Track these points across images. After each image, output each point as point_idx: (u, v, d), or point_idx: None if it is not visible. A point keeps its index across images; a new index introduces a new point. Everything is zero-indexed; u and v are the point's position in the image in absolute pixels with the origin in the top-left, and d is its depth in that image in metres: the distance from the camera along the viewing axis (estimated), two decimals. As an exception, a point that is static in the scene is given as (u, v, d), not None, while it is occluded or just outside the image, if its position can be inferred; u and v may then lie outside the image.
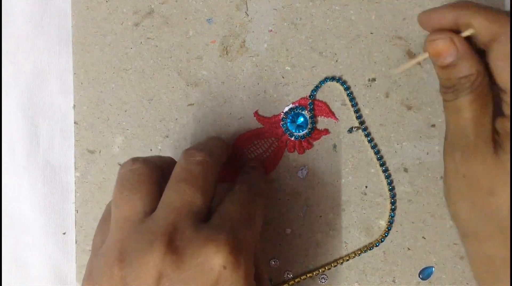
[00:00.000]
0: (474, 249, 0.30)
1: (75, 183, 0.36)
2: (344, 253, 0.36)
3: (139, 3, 0.36)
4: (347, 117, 0.36)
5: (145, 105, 0.36)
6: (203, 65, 0.36)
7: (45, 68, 0.37)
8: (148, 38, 0.36)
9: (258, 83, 0.36)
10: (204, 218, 0.27)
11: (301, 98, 0.35)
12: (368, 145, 0.35)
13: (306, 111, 0.35)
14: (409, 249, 0.36)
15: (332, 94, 0.36)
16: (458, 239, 0.35)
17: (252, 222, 0.28)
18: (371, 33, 0.35)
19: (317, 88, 0.35)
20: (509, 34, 0.27)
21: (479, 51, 0.29)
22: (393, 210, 0.35)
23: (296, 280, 0.35)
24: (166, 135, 0.36)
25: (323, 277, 0.36)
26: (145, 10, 0.36)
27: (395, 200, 0.35)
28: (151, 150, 0.36)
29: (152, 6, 0.36)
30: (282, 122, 0.35)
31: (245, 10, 0.36)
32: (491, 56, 0.28)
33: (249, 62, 0.36)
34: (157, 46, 0.36)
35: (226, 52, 0.36)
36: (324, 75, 0.35)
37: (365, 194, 0.36)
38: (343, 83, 0.35)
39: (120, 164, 0.36)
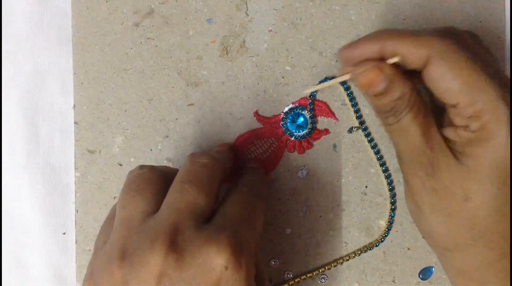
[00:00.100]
0: (458, 261, 0.30)
1: (75, 183, 0.36)
2: (344, 253, 0.36)
3: (139, 3, 0.36)
4: (347, 117, 0.36)
5: (145, 105, 0.36)
6: (203, 65, 0.36)
7: (45, 68, 0.37)
8: (148, 38, 0.36)
9: (258, 83, 0.36)
10: (207, 219, 0.27)
11: (301, 98, 0.35)
12: (368, 145, 0.36)
13: (306, 111, 0.35)
14: (409, 249, 0.36)
15: (332, 94, 0.36)
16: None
17: (253, 223, 0.28)
18: (371, 33, 0.35)
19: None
20: (441, 55, 0.27)
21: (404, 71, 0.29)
22: (393, 210, 0.35)
23: (296, 280, 0.36)
24: (166, 135, 0.36)
25: (323, 277, 0.36)
26: (145, 10, 0.36)
27: (395, 200, 0.35)
28: (151, 150, 0.36)
29: (152, 6, 0.36)
30: (282, 122, 0.35)
31: (245, 10, 0.36)
32: (428, 78, 0.28)
33: (249, 62, 0.36)
34: (157, 46, 0.36)
35: (226, 52, 0.36)
36: (324, 75, 0.35)
37: (365, 194, 0.36)
38: (343, 83, 0.35)
39: (120, 164, 0.36)
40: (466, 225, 0.28)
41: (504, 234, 0.28)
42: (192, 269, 0.24)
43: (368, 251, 0.36)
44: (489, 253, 0.28)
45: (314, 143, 0.36)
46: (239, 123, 0.36)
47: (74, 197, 0.36)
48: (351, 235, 0.36)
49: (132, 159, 0.36)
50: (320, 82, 0.35)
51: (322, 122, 0.36)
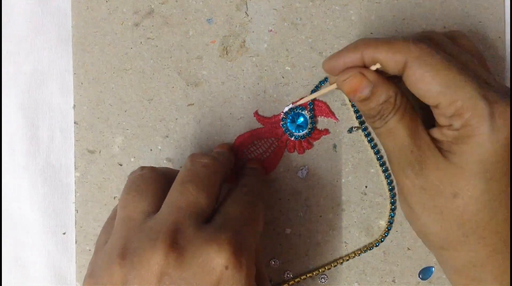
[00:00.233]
0: (454, 259, 0.30)
1: (75, 183, 0.36)
2: (344, 253, 0.36)
3: (139, 3, 0.36)
4: (347, 117, 0.36)
5: (145, 105, 0.36)
6: (203, 65, 0.36)
7: (45, 68, 0.37)
8: (148, 38, 0.36)
9: (258, 83, 0.36)
10: (208, 219, 0.27)
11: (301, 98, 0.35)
12: (368, 145, 0.36)
13: (306, 111, 0.35)
14: (409, 249, 0.36)
15: (332, 94, 0.36)
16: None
17: (254, 223, 0.28)
18: (371, 33, 0.35)
19: (317, 88, 0.35)
20: (417, 58, 0.28)
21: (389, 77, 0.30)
22: (393, 210, 0.35)
23: (296, 280, 0.36)
24: (166, 135, 0.36)
25: (323, 277, 0.36)
26: (145, 10, 0.36)
27: (395, 200, 0.35)
28: (151, 150, 0.36)
29: (152, 6, 0.36)
30: (282, 122, 0.35)
31: (245, 10, 0.36)
32: (408, 82, 0.29)
33: (249, 62, 0.36)
34: (157, 46, 0.36)
35: (226, 52, 0.36)
36: (324, 75, 0.35)
37: (365, 194, 0.36)
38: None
39: (120, 164, 0.36)
40: (457, 222, 0.29)
41: (495, 230, 0.28)
42: (192, 269, 0.24)
43: (368, 251, 0.36)
44: (482, 250, 0.29)
45: (314, 143, 0.36)
46: (239, 123, 0.36)
47: (74, 197, 0.36)
48: (351, 235, 0.36)
49: (132, 159, 0.36)
50: (320, 82, 0.35)
51: (322, 122, 0.36)
